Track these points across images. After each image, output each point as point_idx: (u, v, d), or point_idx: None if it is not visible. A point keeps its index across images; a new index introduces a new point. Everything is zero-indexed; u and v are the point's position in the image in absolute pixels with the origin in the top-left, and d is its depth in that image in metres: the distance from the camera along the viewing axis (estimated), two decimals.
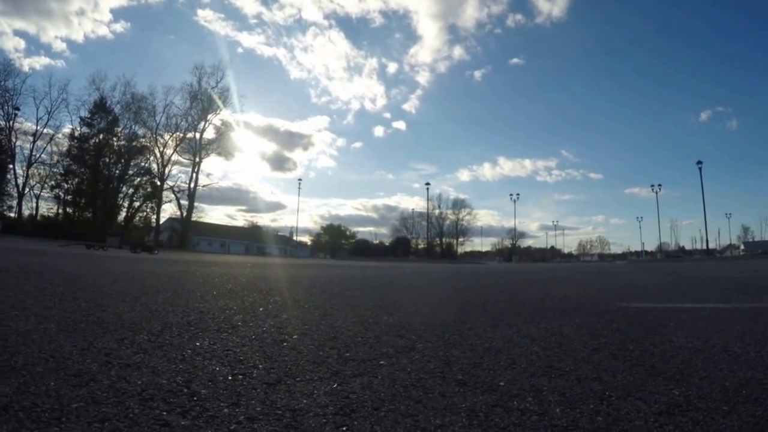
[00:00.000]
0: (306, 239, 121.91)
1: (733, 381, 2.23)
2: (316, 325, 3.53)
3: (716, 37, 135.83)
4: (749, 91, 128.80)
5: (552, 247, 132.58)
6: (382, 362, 2.48)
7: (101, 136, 66.89)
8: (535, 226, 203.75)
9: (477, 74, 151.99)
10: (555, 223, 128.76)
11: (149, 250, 29.66)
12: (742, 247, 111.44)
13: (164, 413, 1.59)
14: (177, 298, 4.66)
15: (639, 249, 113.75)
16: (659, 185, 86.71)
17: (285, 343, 2.81)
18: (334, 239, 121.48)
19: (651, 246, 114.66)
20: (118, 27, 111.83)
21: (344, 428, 1.56)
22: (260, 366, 2.27)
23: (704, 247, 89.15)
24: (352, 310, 4.49)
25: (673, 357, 2.74)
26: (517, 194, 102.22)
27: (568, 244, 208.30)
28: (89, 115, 66.10)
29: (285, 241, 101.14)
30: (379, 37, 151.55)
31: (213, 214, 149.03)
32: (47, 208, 67.10)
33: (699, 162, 70.29)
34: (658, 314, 4.75)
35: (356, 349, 2.75)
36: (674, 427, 1.64)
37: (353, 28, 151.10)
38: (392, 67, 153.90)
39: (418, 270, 18.89)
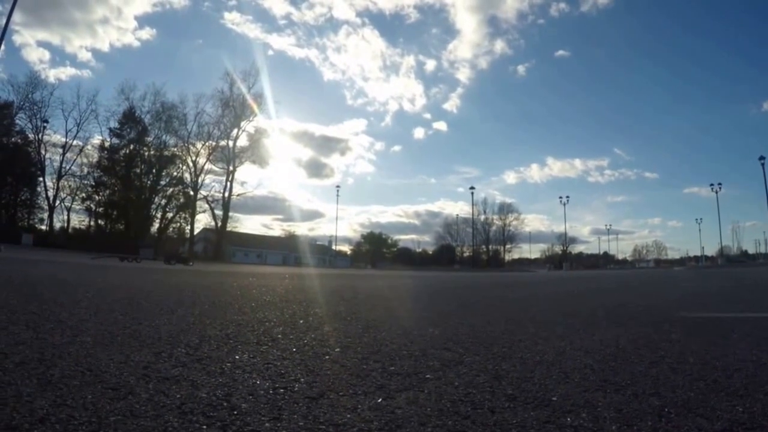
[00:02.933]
0: (345, 248, 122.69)
1: None
2: (359, 337, 3.56)
3: None
4: None
5: (605, 253, 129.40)
6: (428, 376, 2.48)
7: (131, 147, 68.73)
8: (587, 231, 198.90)
9: (521, 69, 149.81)
10: (608, 227, 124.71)
11: (184, 261, 30.21)
12: None
13: (204, 427, 1.63)
14: (214, 310, 4.76)
15: (698, 254, 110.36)
16: (719, 184, 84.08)
17: (327, 357, 2.85)
18: (375, 248, 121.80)
19: (711, 250, 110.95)
20: (144, 34, 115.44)
21: None
22: (302, 380, 2.31)
23: None
24: (396, 322, 4.52)
25: (736, 371, 2.68)
26: (567, 197, 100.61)
27: (622, 249, 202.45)
28: (119, 126, 68.08)
29: (324, 251, 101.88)
30: (416, 33, 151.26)
31: (248, 224, 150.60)
32: (78, 220, 69.51)
33: (762, 157, 67.45)
34: (719, 324, 4.68)
35: (401, 363, 2.76)
36: None
37: (388, 25, 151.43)
38: (430, 65, 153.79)
39: (464, 280, 18.80)
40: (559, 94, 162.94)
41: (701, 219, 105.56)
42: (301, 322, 4.28)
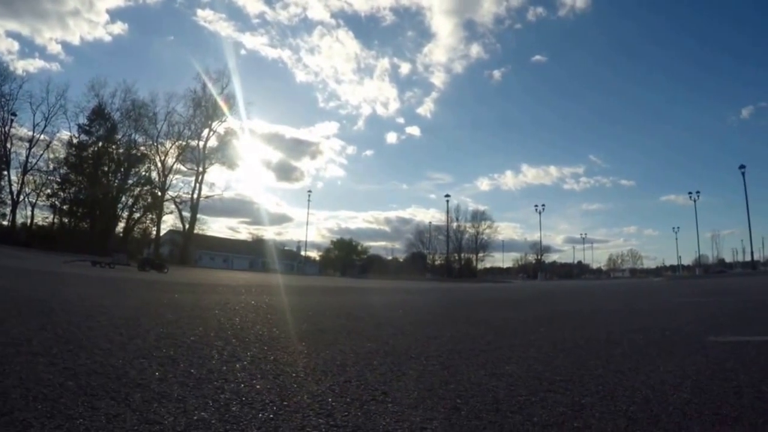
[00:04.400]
0: (314, 254, 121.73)
1: None
2: (446, 418, 3.08)
3: (757, 21, 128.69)
4: None
5: (579, 262, 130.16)
6: None
7: (100, 144, 67.48)
8: (561, 239, 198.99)
9: (496, 74, 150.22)
10: (583, 236, 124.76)
11: (159, 268, 29.44)
12: None
13: None
14: (256, 365, 4.36)
15: (675, 263, 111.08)
16: (697, 192, 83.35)
17: None
18: (345, 255, 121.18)
19: (688, 259, 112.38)
20: (116, 28, 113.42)
21: None
22: None
23: (746, 259, 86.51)
24: (450, 365, 4.08)
25: None
26: (543, 205, 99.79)
27: (597, 258, 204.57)
28: (88, 122, 66.87)
29: (292, 256, 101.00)
30: (391, 36, 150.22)
31: (215, 227, 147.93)
32: (42, 217, 67.63)
33: (742, 166, 67.96)
34: (758, 351, 4.66)
35: None
36: None
37: (362, 26, 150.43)
38: (405, 68, 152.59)
39: (449, 294, 18.52)
40: (535, 99, 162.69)
41: (678, 227, 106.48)
42: (355, 385, 3.61)
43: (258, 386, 2.86)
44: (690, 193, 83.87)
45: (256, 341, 4.54)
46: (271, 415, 2.34)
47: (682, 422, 2.47)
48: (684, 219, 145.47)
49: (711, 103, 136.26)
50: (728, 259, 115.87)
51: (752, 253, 74.75)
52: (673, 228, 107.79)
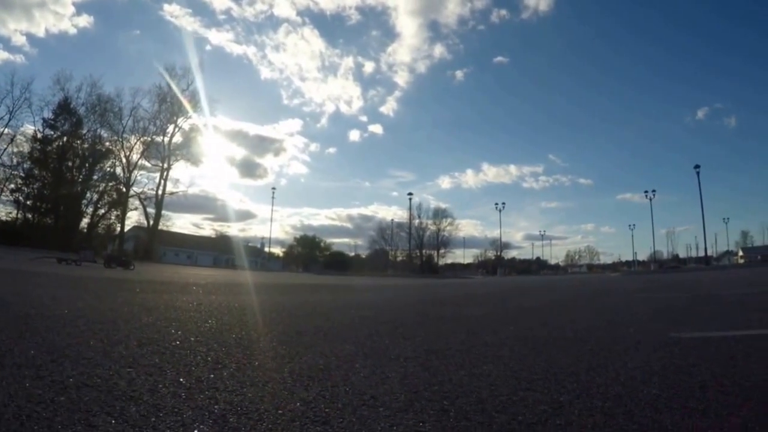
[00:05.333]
0: (278, 251, 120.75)
1: None
2: None
3: (713, 25, 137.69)
4: (749, 85, 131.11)
5: (538, 258, 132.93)
6: None
7: (65, 139, 65.79)
8: (520, 236, 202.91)
9: (459, 74, 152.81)
10: (542, 233, 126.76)
11: (125, 265, 28.87)
12: (741, 253, 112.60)
13: None
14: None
15: (630, 259, 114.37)
16: (653, 191, 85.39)
17: None
18: (308, 251, 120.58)
19: (643, 255, 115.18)
20: (81, 21, 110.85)
21: None
22: None
23: (700, 255, 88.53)
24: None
25: None
26: (503, 203, 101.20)
27: (556, 254, 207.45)
28: (53, 117, 65.09)
29: (256, 253, 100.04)
30: (356, 34, 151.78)
31: (178, 223, 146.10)
32: (6, 212, 65.69)
33: (697, 166, 68.89)
34: (721, 347, 4.79)
35: None
36: None
37: (328, 25, 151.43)
38: (369, 67, 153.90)
39: (414, 290, 18.48)
40: (497, 99, 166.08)
41: (634, 225, 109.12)
42: (343, 390, 3.83)
43: (249, 395, 2.83)
44: (646, 191, 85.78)
45: (237, 345, 4.49)
46: (270, 426, 2.33)
47: (655, 416, 2.59)
48: (640, 217, 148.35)
49: (667, 105, 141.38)
50: (682, 254, 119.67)
51: (706, 249, 76.94)
52: (629, 225, 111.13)
